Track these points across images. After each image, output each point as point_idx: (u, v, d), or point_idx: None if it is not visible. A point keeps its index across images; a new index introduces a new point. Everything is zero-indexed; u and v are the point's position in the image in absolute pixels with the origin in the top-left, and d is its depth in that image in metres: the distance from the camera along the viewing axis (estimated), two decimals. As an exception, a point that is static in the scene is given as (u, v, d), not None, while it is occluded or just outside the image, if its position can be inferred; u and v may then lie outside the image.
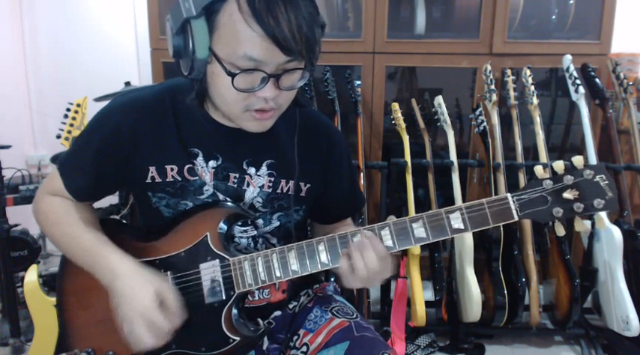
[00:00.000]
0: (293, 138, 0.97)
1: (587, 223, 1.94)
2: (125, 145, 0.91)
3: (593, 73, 2.15)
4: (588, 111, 2.06)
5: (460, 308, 1.98)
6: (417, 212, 2.00)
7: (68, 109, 2.02)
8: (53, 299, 1.05)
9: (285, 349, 1.00)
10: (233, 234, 0.97)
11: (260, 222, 0.98)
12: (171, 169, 0.92)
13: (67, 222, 0.95)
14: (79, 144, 0.96)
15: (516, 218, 0.79)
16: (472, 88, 2.37)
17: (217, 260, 0.90)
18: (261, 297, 1.01)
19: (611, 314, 1.84)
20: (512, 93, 2.10)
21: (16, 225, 2.09)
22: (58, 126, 2.01)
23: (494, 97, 2.09)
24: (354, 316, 0.99)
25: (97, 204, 1.04)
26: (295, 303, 1.05)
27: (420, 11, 2.34)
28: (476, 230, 0.81)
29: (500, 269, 1.91)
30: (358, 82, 2.24)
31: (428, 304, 1.92)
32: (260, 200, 0.97)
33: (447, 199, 2.14)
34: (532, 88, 2.07)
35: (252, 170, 0.95)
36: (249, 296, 0.98)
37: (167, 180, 0.93)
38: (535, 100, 2.06)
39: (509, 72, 2.12)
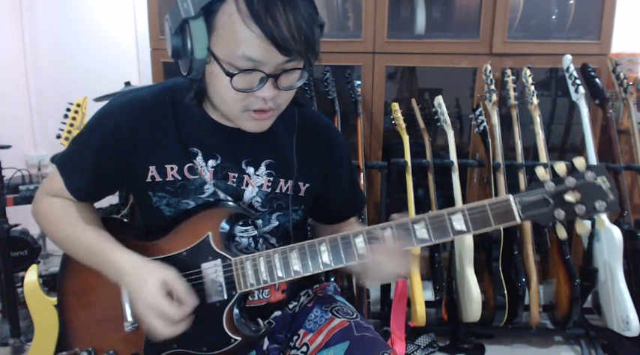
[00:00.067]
0: (292, 137, 0.97)
1: (587, 223, 1.94)
2: (125, 145, 0.91)
3: (593, 73, 2.15)
4: (588, 111, 2.06)
5: (460, 308, 1.98)
6: (417, 212, 2.00)
7: (68, 109, 2.02)
8: (53, 299, 1.05)
9: (285, 349, 1.00)
10: (234, 234, 0.97)
11: (259, 221, 0.98)
12: (171, 168, 0.92)
13: (67, 222, 0.95)
14: (78, 143, 0.96)
15: (518, 220, 0.79)
16: (472, 88, 2.37)
17: (219, 259, 0.90)
18: (261, 297, 1.01)
19: (611, 314, 1.84)
20: (512, 93, 2.10)
21: (16, 225, 2.09)
22: (58, 126, 2.01)
23: (494, 97, 2.09)
24: (354, 316, 0.99)
25: (97, 204, 1.04)
26: (295, 303, 1.05)
27: (420, 11, 2.34)
28: (478, 232, 0.80)
29: (500, 269, 1.91)
30: (358, 82, 2.24)
31: (428, 304, 1.92)
32: (259, 199, 0.97)
33: (447, 199, 2.14)
34: (532, 87, 2.07)
35: (250, 170, 0.95)
36: (248, 297, 0.98)
37: (167, 179, 0.93)
38: (535, 100, 2.06)
39: (509, 72, 2.12)
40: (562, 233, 0.83)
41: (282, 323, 1.02)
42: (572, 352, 1.98)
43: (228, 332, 0.89)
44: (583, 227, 0.80)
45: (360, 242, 0.84)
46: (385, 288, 2.07)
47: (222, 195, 0.94)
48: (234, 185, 0.95)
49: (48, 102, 2.92)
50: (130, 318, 0.93)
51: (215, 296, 0.90)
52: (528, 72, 2.09)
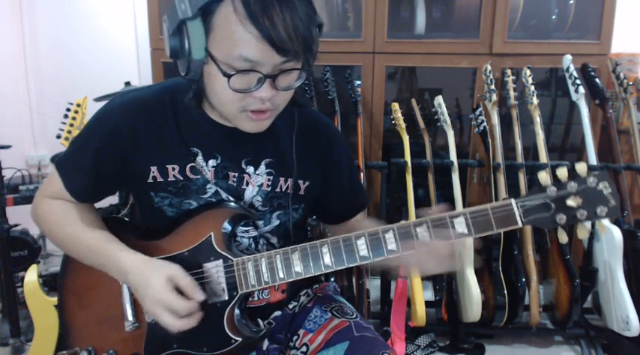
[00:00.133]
0: (292, 137, 0.97)
1: (588, 223, 1.94)
2: (124, 145, 0.91)
3: (593, 73, 2.15)
4: (588, 111, 2.06)
5: (460, 308, 1.98)
6: (416, 212, 2.00)
7: (68, 109, 2.02)
8: (53, 299, 1.05)
9: (284, 349, 1.00)
10: (235, 234, 0.97)
11: (260, 222, 0.98)
12: (173, 169, 0.92)
13: (67, 223, 0.95)
14: (77, 144, 0.96)
15: (520, 224, 0.79)
16: (472, 88, 2.37)
17: (221, 260, 0.90)
18: (261, 297, 1.01)
19: (611, 314, 1.84)
20: (512, 93, 2.10)
21: (16, 225, 2.09)
22: (58, 126, 2.01)
23: (494, 97, 2.09)
24: (354, 316, 0.99)
25: (97, 205, 1.04)
26: (295, 303, 1.05)
27: (420, 11, 2.34)
28: (480, 235, 0.80)
29: (501, 269, 1.91)
30: (358, 82, 2.24)
31: (428, 304, 1.91)
32: (259, 199, 0.97)
33: (447, 199, 2.14)
34: (532, 88, 2.07)
35: (250, 169, 0.95)
36: (248, 297, 0.98)
37: (169, 179, 0.93)
38: (535, 100, 2.06)
39: (509, 72, 2.12)
40: (563, 237, 0.83)
41: (281, 323, 1.02)
42: (572, 352, 1.98)
43: (229, 333, 0.89)
44: (584, 232, 0.80)
45: (361, 244, 0.84)
46: (385, 288, 2.07)
47: (224, 195, 0.94)
48: (235, 184, 0.95)
49: (48, 102, 2.93)
50: (130, 318, 0.93)
51: (216, 296, 0.90)
52: (528, 72, 2.09)
